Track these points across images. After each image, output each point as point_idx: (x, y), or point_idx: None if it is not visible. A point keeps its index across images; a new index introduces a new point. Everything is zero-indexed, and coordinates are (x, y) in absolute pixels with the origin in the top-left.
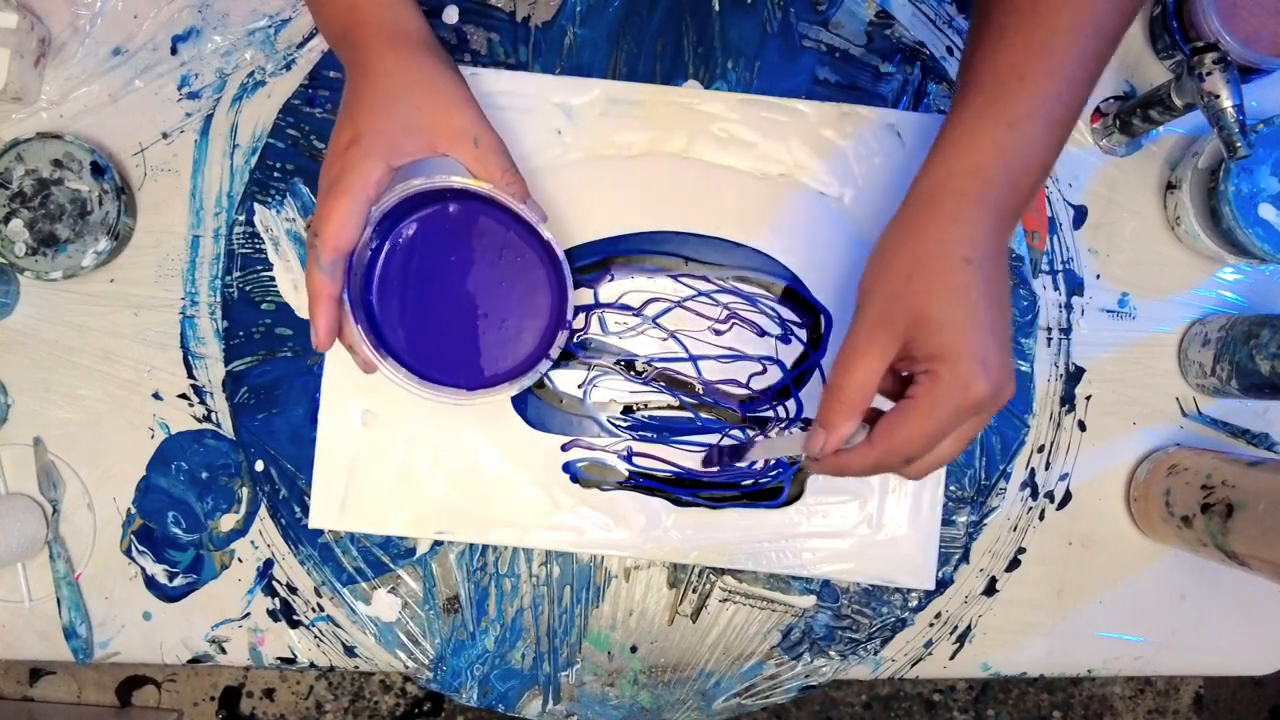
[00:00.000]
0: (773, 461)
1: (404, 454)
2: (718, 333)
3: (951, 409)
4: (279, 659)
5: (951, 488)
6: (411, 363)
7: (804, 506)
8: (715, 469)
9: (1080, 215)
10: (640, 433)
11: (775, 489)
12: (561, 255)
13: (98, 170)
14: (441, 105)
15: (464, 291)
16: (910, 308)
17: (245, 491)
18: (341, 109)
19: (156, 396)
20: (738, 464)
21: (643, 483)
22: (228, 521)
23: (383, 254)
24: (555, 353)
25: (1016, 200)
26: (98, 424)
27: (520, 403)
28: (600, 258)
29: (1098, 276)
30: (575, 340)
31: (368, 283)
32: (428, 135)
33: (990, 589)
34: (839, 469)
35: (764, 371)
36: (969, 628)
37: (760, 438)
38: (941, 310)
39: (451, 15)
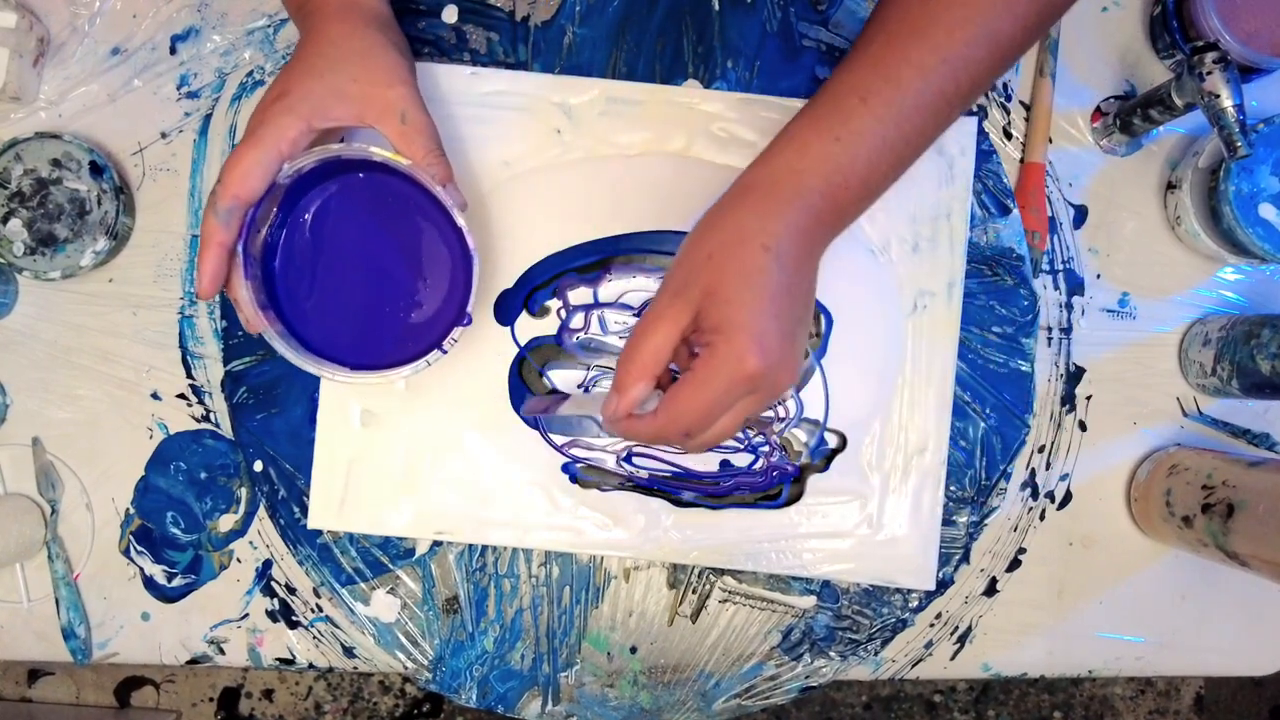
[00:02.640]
0: (776, 457)
1: (403, 454)
2: None
3: (725, 380)
4: (278, 660)
5: (952, 488)
6: (305, 333)
7: (804, 507)
8: (532, 416)
9: (1080, 215)
10: None
11: (775, 490)
12: (473, 245)
13: (96, 170)
14: (375, 78)
15: (373, 270)
16: (705, 281)
17: (244, 492)
18: (284, 68)
19: (155, 396)
20: (548, 415)
21: (642, 483)
22: (226, 522)
23: (292, 221)
24: (448, 346)
25: (832, 210)
26: (96, 424)
27: (520, 403)
28: (600, 257)
29: (1098, 276)
30: (575, 340)
31: (272, 247)
32: (357, 105)
33: (991, 589)
34: (628, 433)
35: None
36: (969, 628)
37: (572, 395)
38: (730, 286)
39: (451, 15)
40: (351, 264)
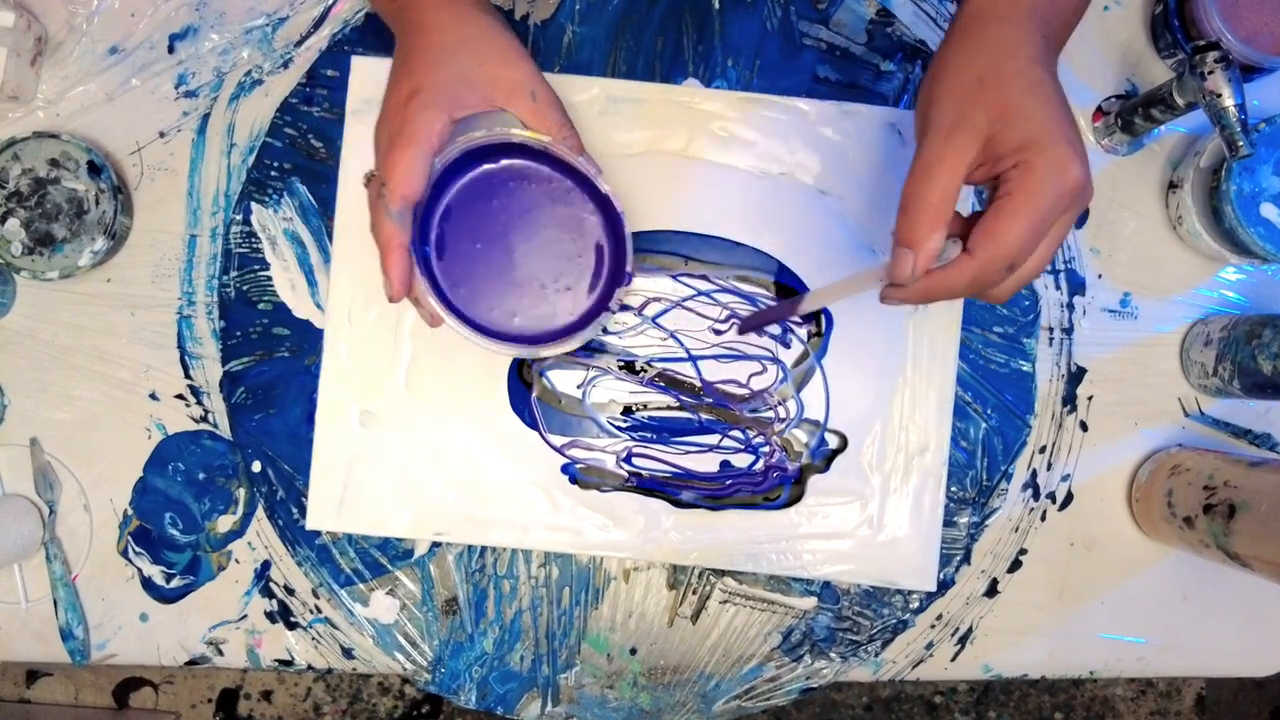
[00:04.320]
0: (776, 457)
1: (402, 455)
2: (718, 332)
3: (1051, 197)
4: (276, 661)
5: (953, 488)
6: (466, 317)
7: (804, 508)
8: (747, 334)
9: (1081, 216)
10: (640, 433)
11: (775, 491)
12: (620, 207)
13: (94, 169)
14: (499, 59)
15: (518, 246)
16: (990, 104)
17: (242, 492)
18: (398, 64)
19: (153, 397)
20: (779, 321)
21: (642, 484)
22: (225, 523)
23: (438, 210)
24: (615, 305)
25: (1063, 22)
26: (94, 425)
27: (519, 403)
28: None
29: (1099, 276)
30: None
31: (424, 237)
32: (486, 89)
33: (991, 590)
34: (933, 291)
35: (764, 371)
36: (970, 629)
37: (813, 291)
38: (1024, 102)
39: None
40: (505, 244)
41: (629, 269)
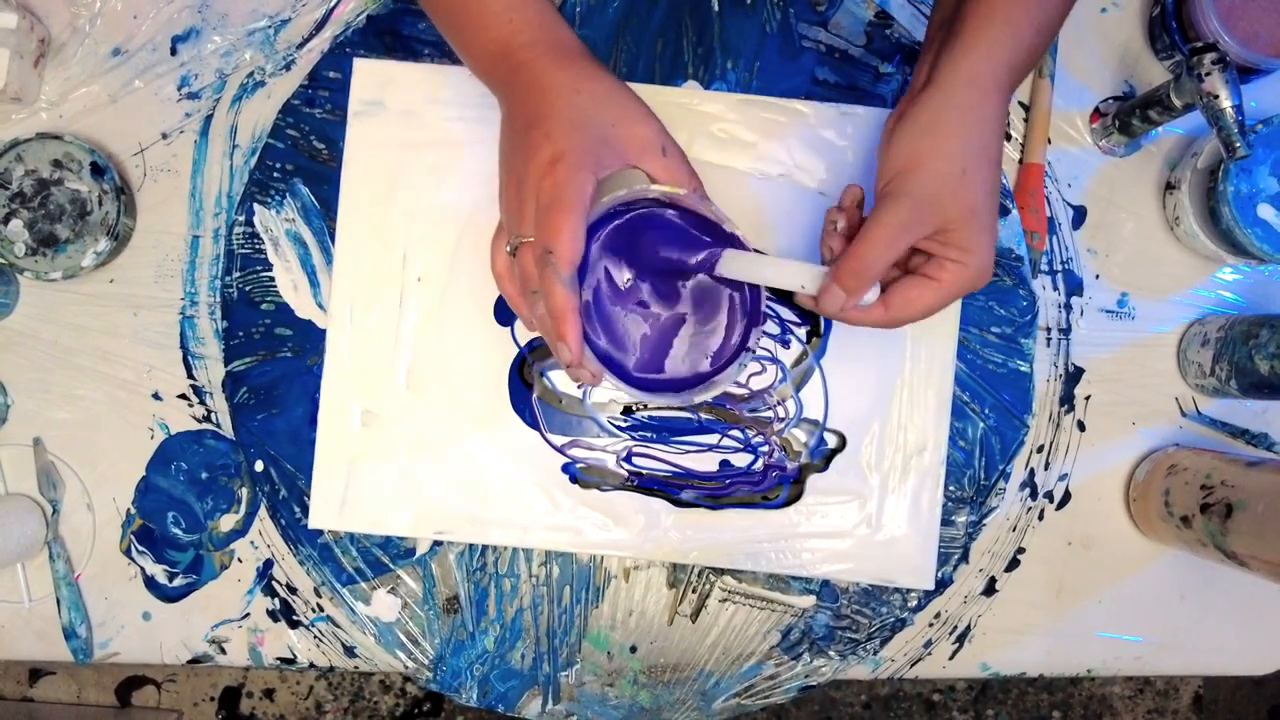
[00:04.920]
0: (775, 457)
1: (404, 454)
2: None
3: (963, 290)
4: (279, 659)
5: (951, 488)
6: (619, 371)
7: (803, 507)
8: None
9: (1079, 215)
10: (640, 433)
11: (774, 490)
12: (751, 249)
13: (97, 170)
14: (631, 118)
15: (651, 296)
16: (965, 202)
17: (245, 492)
18: (523, 128)
19: (156, 397)
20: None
21: (642, 483)
22: (227, 522)
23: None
24: (755, 344)
25: (1013, 87)
26: (97, 424)
27: (520, 403)
28: None
29: (1097, 277)
30: None
31: None
32: (623, 147)
33: (989, 589)
34: (842, 319)
35: (763, 371)
36: (968, 628)
37: (734, 253)
38: (987, 212)
39: None
40: (641, 295)
41: (764, 308)
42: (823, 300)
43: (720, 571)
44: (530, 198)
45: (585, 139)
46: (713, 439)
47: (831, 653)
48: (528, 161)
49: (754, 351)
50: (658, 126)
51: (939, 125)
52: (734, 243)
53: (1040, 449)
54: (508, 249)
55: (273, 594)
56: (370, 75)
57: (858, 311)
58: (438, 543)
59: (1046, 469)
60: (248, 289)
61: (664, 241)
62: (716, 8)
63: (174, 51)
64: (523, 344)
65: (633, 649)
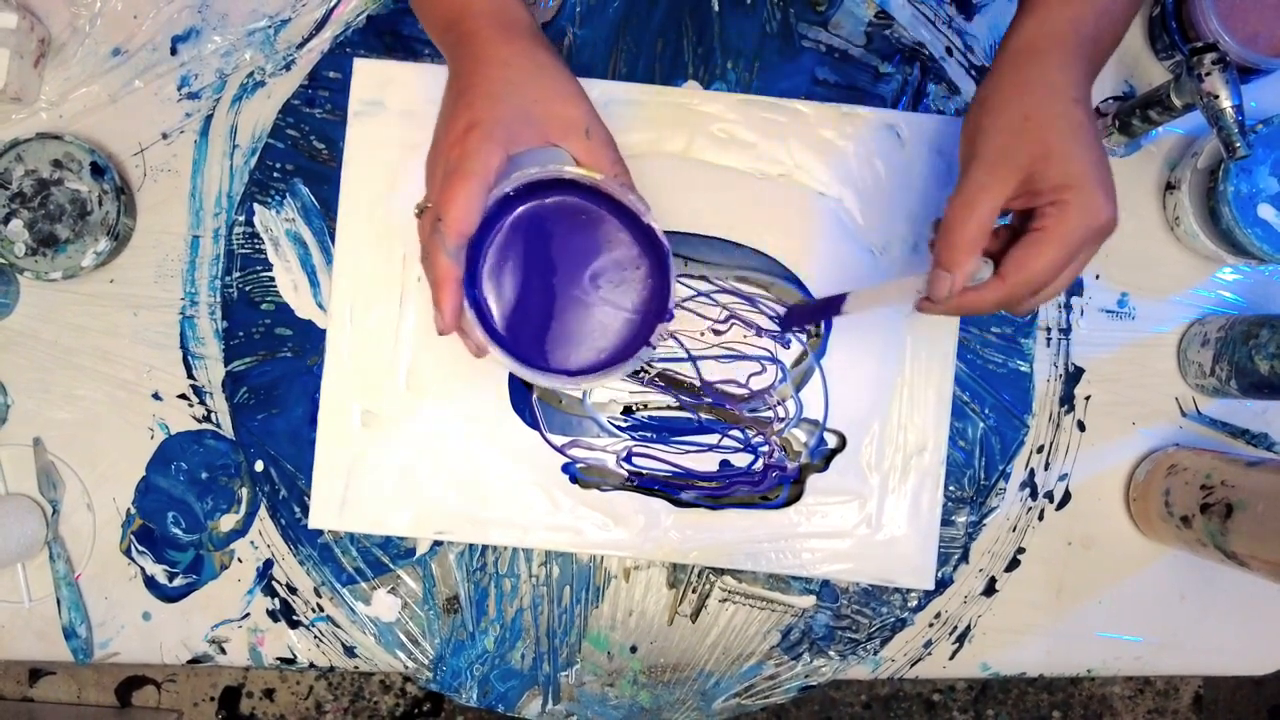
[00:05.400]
0: (775, 457)
1: (404, 454)
2: (717, 333)
3: (1081, 235)
4: (279, 659)
5: (951, 488)
6: (511, 348)
7: (803, 507)
8: (790, 331)
9: None
10: (640, 433)
11: (774, 491)
12: (667, 245)
13: (97, 171)
14: (557, 96)
15: (562, 279)
16: (1033, 142)
17: (245, 492)
18: (454, 96)
19: (156, 397)
20: (818, 321)
21: (642, 483)
22: (227, 522)
23: (489, 241)
24: (656, 340)
25: (1102, 54)
26: (97, 424)
27: (520, 403)
28: None
29: (1097, 277)
30: None
31: (473, 268)
32: (543, 126)
33: (990, 589)
34: (964, 308)
35: (763, 371)
36: (968, 628)
37: (855, 290)
38: (1063, 143)
39: None
40: (544, 278)
41: (671, 305)
42: (933, 289)
43: (720, 571)
44: (440, 163)
45: (503, 111)
46: (713, 439)
47: (831, 653)
48: (447, 128)
49: (654, 346)
50: (586, 109)
51: (993, 93)
52: (651, 235)
53: (1040, 449)
54: (415, 211)
55: (273, 594)
56: (370, 75)
57: (976, 293)
58: (438, 543)
59: (1046, 469)
60: (248, 289)
61: (580, 228)
62: (716, 8)
63: (174, 51)
64: None
65: (633, 649)
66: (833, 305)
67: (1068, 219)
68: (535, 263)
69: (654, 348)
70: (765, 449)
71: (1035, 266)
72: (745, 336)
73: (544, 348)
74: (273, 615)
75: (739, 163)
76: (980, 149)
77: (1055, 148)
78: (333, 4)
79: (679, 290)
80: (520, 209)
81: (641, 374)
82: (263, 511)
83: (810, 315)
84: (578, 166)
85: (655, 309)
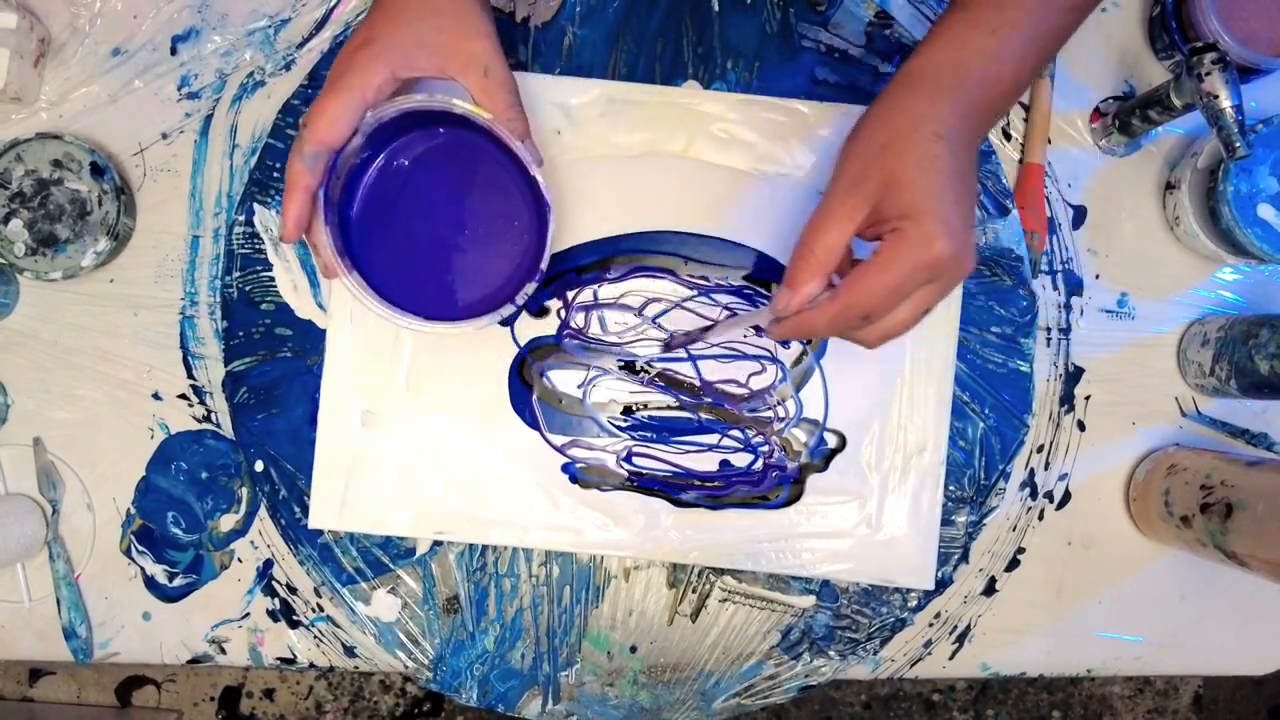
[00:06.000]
0: (775, 457)
1: (404, 454)
2: None
3: (913, 264)
4: (279, 659)
5: (951, 488)
6: (378, 283)
7: (803, 507)
8: (671, 353)
9: (1079, 215)
10: (640, 433)
11: (774, 490)
12: (549, 199)
13: (97, 170)
14: (460, 30)
15: (445, 221)
16: (883, 171)
17: (245, 492)
18: (363, 20)
19: (156, 397)
20: (696, 344)
21: (642, 483)
22: (227, 522)
23: (370, 170)
24: (520, 299)
25: (987, 102)
26: (97, 424)
27: (520, 403)
28: (599, 257)
29: (1097, 277)
30: (575, 340)
31: (350, 195)
32: (440, 56)
33: (989, 589)
34: (800, 328)
35: (763, 371)
36: (968, 628)
37: (722, 319)
38: (911, 174)
39: None
40: (427, 216)
41: (542, 265)
42: (774, 303)
43: (720, 571)
44: (329, 75)
45: (400, 35)
46: (713, 439)
47: (831, 653)
48: (345, 45)
49: (517, 305)
50: (488, 46)
51: (864, 120)
52: (534, 187)
53: (1040, 449)
54: (301, 123)
55: (273, 594)
56: None
57: (810, 313)
58: (438, 543)
59: (1046, 469)
60: (248, 289)
61: (465, 170)
62: (716, 8)
63: (174, 51)
64: (523, 344)
65: (633, 649)
66: (699, 333)
67: (899, 247)
68: (414, 199)
69: (517, 306)
70: (765, 449)
71: (859, 288)
72: (745, 336)
73: (405, 285)
74: (273, 615)
75: (739, 163)
76: (839, 173)
77: (901, 177)
78: (333, 4)
79: (679, 290)
80: (405, 139)
81: (642, 374)
82: (263, 511)
83: (680, 343)
84: (471, 104)
85: (528, 266)
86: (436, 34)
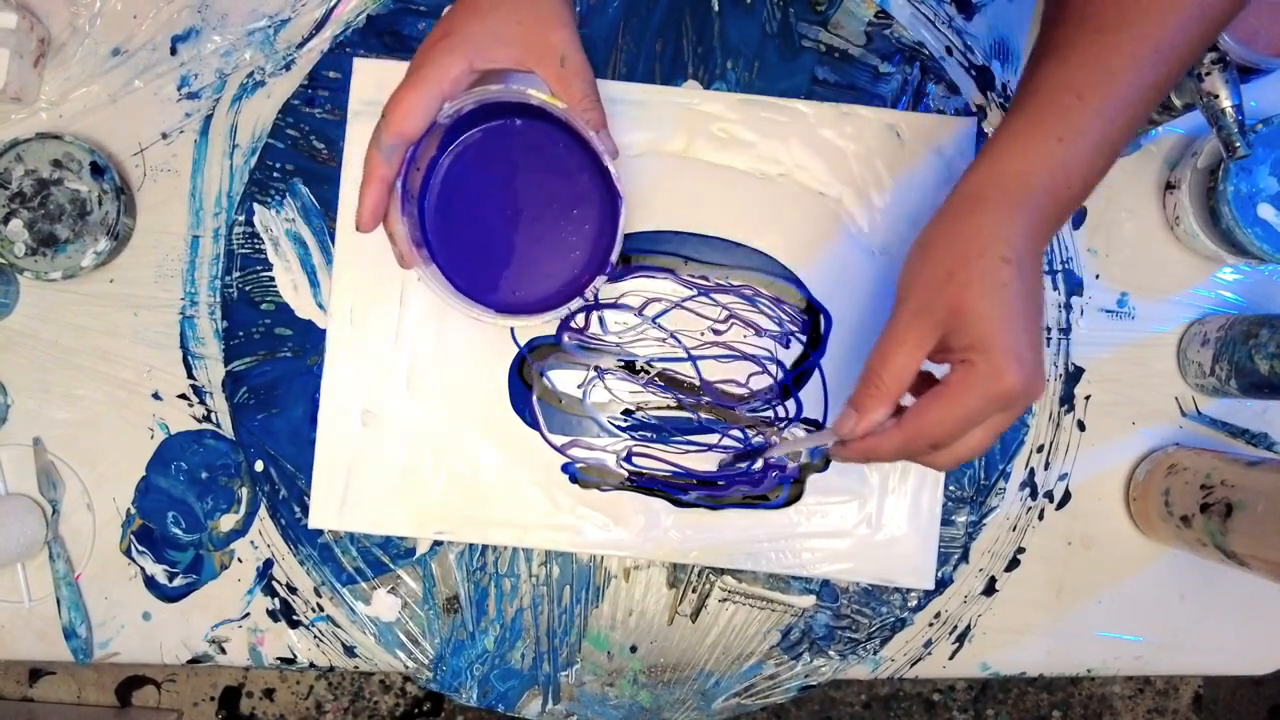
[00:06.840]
0: (776, 458)
1: (404, 454)
2: (717, 333)
3: (982, 397)
4: (279, 659)
5: (951, 488)
6: (452, 274)
7: (804, 507)
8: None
9: (1079, 215)
10: (640, 433)
11: (775, 490)
12: (622, 191)
13: (97, 170)
14: (537, 20)
15: (523, 214)
16: (950, 300)
17: (245, 491)
18: (445, 11)
19: (156, 397)
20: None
21: (642, 483)
22: (227, 521)
23: (445, 161)
24: (590, 295)
25: (1057, 210)
26: (97, 424)
27: (520, 403)
28: None
29: (1097, 277)
30: (574, 340)
31: (426, 187)
32: (517, 48)
33: (989, 589)
34: (866, 453)
35: (763, 371)
36: (968, 627)
37: (777, 438)
38: (980, 304)
39: None
40: (503, 207)
41: (613, 258)
42: (838, 424)
43: (720, 571)
44: (410, 67)
45: (477, 28)
46: (713, 439)
47: (831, 652)
48: (426, 38)
49: (587, 300)
50: (566, 36)
51: (930, 240)
52: (607, 179)
53: (1040, 449)
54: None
55: (273, 594)
56: (370, 75)
57: (875, 439)
58: (438, 543)
59: (1046, 469)
60: (248, 289)
61: (540, 161)
62: (716, 8)
63: (174, 51)
64: (523, 344)
65: (633, 649)
66: (762, 450)
67: (969, 380)
68: (487, 190)
69: (586, 300)
70: (760, 438)
71: (927, 420)
72: (745, 336)
73: (480, 278)
74: (273, 615)
75: (739, 163)
76: (906, 296)
77: (969, 306)
78: (333, 4)
79: (679, 290)
80: (478, 130)
81: (641, 373)
82: (263, 511)
83: (744, 459)
84: (546, 94)
85: (599, 260)
86: (514, 25)
